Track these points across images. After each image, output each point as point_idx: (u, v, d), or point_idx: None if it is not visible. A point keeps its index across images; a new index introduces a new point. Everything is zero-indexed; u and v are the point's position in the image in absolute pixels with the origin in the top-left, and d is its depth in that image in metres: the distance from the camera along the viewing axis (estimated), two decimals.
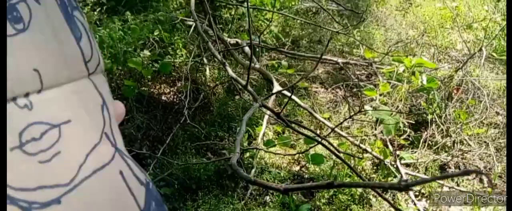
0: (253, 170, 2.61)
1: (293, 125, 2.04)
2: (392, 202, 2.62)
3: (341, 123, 2.26)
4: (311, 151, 2.63)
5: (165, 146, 2.54)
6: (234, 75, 1.95)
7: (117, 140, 0.65)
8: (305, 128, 2.24)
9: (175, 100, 3.10)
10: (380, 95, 3.05)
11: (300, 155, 2.81)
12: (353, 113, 1.94)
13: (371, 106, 2.97)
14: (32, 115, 0.55)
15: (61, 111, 0.58)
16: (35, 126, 0.55)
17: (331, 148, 1.80)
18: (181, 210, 2.32)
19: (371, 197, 2.60)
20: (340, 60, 3.58)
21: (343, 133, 2.72)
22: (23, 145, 0.53)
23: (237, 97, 3.19)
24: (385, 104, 3.03)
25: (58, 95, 0.59)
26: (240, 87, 2.17)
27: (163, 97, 3.14)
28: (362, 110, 2.60)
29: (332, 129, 2.15)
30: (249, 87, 1.74)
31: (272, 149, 2.75)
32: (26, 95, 0.54)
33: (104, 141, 0.62)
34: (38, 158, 0.55)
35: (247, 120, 1.65)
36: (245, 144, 2.79)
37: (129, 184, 0.63)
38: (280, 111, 1.76)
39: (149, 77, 3.10)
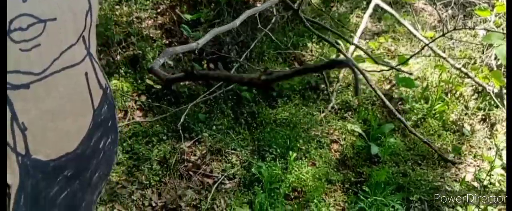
0: (337, 84, 2.52)
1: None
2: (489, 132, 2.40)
3: (436, 38, 2.03)
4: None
5: (250, 51, 2.52)
6: None
7: (91, 44, 0.75)
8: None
9: (268, 7, 3.02)
10: (496, 16, 2.69)
11: (392, 74, 2.64)
12: (449, 30, 1.71)
13: (483, 28, 2.64)
14: (25, 7, 0.63)
15: (51, 9, 0.65)
16: (25, 17, 0.63)
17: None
18: (259, 115, 2.33)
19: (465, 125, 2.39)
20: None
21: (443, 54, 2.47)
22: (10, 32, 0.61)
23: (333, 8, 3.02)
24: (500, 26, 2.67)
25: None
26: None
27: (258, 4, 3.08)
28: (466, 28, 2.31)
29: (426, 44, 1.94)
30: None
31: (362, 65, 2.62)
32: None
33: (80, 43, 0.72)
34: (20, 46, 0.63)
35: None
36: (334, 57, 2.67)
37: (90, 85, 0.75)
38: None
39: None
